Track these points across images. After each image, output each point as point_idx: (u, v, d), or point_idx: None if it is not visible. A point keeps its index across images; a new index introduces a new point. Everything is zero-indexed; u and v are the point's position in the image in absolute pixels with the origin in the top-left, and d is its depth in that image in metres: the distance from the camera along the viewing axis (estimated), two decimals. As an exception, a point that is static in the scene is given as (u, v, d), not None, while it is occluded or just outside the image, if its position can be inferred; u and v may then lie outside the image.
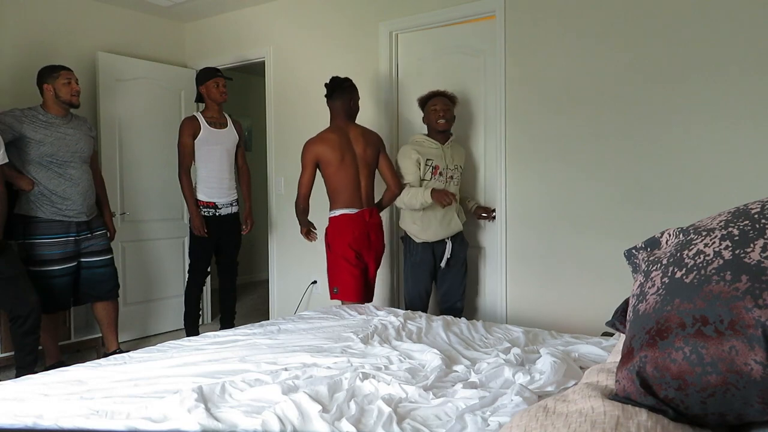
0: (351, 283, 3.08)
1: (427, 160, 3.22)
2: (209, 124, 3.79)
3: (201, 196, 3.79)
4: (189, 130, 3.75)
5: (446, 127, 3.24)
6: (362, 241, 3.11)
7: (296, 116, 4.18)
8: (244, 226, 4.02)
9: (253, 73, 4.88)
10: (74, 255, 3.37)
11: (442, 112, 3.22)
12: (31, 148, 3.19)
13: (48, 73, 3.26)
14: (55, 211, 3.26)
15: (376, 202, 3.25)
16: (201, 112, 3.84)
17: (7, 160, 3.04)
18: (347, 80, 3.22)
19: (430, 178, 3.22)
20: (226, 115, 3.95)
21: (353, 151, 3.13)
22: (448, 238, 3.24)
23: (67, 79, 3.25)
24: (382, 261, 3.34)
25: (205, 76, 3.82)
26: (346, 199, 3.11)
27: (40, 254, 3.25)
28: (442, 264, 3.24)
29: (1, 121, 3.12)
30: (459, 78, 3.48)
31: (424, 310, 3.27)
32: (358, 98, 3.27)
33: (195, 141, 3.75)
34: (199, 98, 3.93)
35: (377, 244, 3.19)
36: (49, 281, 3.27)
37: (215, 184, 3.82)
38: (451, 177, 3.27)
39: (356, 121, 3.29)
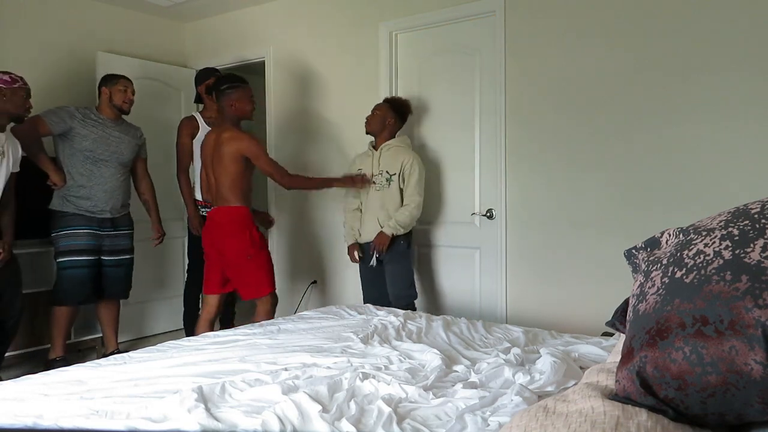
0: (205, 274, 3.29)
1: (359, 168, 3.40)
2: (208, 124, 3.78)
3: (200, 196, 3.79)
4: (187, 129, 3.78)
5: (368, 130, 3.35)
6: (206, 240, 3.22)
7: (296, 116, 4.18)
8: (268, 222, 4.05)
9: (253, 73, 4.87)
10: (94, 249, 3.44)
11: (367, 118, 3.35)
12: (74, 141, 3.34)
13: (109, 79, 3.48)
14: (78, 207, 3.36)
15: None
16: (200, 113, 3.85)
17: (18, 169, 3.11)
18: (226, 83, 3.14)
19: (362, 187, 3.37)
20: None
21: (211, 154, 3.16)
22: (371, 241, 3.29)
23: (124, 86, 3.47)
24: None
25: (204, 76, 3.84)
26: (207, 197, 3.26)
27: (64, 245, 3.35)
28: (372, 263, 3.29)
29: (55, 114, 3.30)
30: (459, 77, 3.48)
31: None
32: (242, 100, 3.11)
33: (193, 141, 3.76)
34: (199, 99, 3.94)
35: (219, 244, 3.13)
36: (70, 272, 3.36)
37: None
38: (374, 182, 3.32)
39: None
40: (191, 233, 3.83)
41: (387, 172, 3.28)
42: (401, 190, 3.28)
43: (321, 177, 3.49)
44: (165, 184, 4.36)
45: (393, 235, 3.23)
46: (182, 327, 4.03)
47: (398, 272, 3.31)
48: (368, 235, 3.33)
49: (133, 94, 3.52)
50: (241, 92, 3.13)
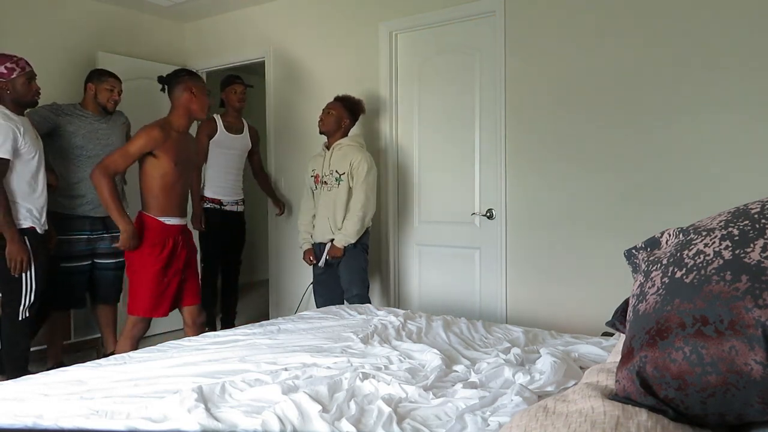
0: None
1: (312, 169, 3.40)
2: (226, 128, 3.98)
3: (207, 193, 3.97)
4: (206, 130, 3.92)
5: (322, 130, 3.34)
6: None
7: (296, 116, 4.18)
8: (278, 210, 4.17)
9: (253, 73, 4.87)
10: (86, 254, 3.43)
11: (320, 116, 3.34)
12: (63, 139, 3.31)
13: (96, 75, 3.43)
14: (73, 206, 3.34)
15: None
16: (221, 116, 4.03)
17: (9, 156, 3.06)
18: (180, 73, 2.93)
19: (315, 187, 3.39)
20: (244, 121, 4.13)
21: None
22: (325, 243, 3.31)
23: (111, 86, 3.42)
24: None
25: (226, 82, 4.06)
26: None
27: (58, 250, 3.32)
28: (321, 263, 3.33)
29: (38, 114, 3.24)
30: (459, 77, 3.48)
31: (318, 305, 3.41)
32: (184, 93, 2.84)
33: (211, 141, 3.92)
34: (222, 104, 4.13)
35: None
36: (65, 278, 3.35)
37: (222, 184, 3.99)
38: (325, 183, 3.31)
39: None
40: (201, 236, 3.98)
41: (336, 171, 3.27)
42: (350, 190, 3.27)
43: (117, 208, 2.76)
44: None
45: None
46: (182, 327, 4.02)
47: (348, 271, 3.30)
48: (320, 236, 3.34)
49: (120, 95, 3.47)
50: (198, 84, 2.86)
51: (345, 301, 3.35)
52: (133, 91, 4.25)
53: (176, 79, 2.86)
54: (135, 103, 4.26)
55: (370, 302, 3.32)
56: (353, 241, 3.25)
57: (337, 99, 3.39)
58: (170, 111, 2.88)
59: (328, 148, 3.37)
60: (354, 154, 3.26)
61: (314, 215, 3.44)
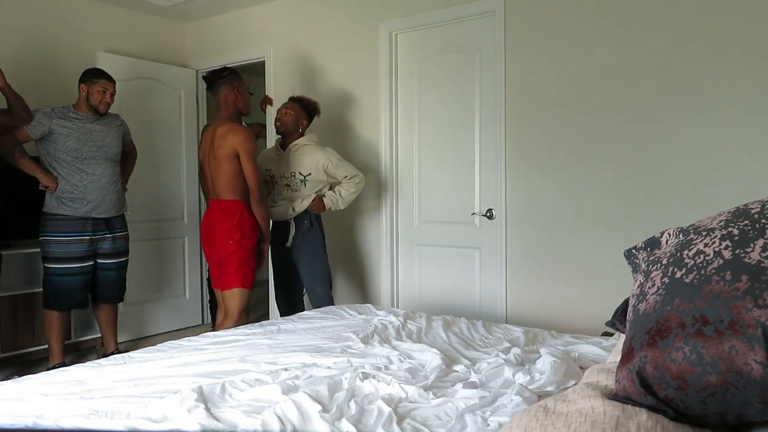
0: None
1: (266, 169, 3.37)
2: None
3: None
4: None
5: (281, 130, 3.32)
6: (203, 235, 3.18)
7: (296, 116, 4.18)
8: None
9: (253, 73, 4.87)
10: (89, 255, 3.42)
11: (278, 114, 3.33)
12: (57, 142, 3.29)
13: (89, 76, 3.41)
14: (74, 208, 3.32)
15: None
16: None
17: None
18: (222, 73, 3.08)
19: (273, 186, 3.36)
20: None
21: (207, 148, 3.09)
22: (287, 221, 3.31)
23: (103, 88, 3.39)
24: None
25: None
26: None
27: (52, 251, 3.31)
28: (288, 243, 3.33)
29: (33, 118, 3.23)
30: (459, 77, 3.48)
31: (279, 297, 3.46)
32: (230, 93, 3.05)
33: None
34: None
35: (212, 238, 3.06)
36: (61, 279, 3.33)
37: None
38: (287, 185, 3.29)
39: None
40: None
41: (300, 173, 3.26)
42: (326, 185, 3.30)
43: (265, 233, 3.11)
44: (165, 184, 4.37)
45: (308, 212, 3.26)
46: (181, 327, 4.03)
47: (310, 268, 3.30)
48: (282, 216, 3.31)
49: (113, 96, 3.44)
50: (241, 83, 3.08)
51: (307, 299, 3.37)
52: (133, 91, 4.26)
53: (220, 80, 3.03)
54: (134, 103, 4.27)
55: (333, 301, 3.32)
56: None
57: (294, 99, 3.38)
58: (220, 109, 3.04)
59: (283, 148, 3.34)
60: (316, 154, 3.27)
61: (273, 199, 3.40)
